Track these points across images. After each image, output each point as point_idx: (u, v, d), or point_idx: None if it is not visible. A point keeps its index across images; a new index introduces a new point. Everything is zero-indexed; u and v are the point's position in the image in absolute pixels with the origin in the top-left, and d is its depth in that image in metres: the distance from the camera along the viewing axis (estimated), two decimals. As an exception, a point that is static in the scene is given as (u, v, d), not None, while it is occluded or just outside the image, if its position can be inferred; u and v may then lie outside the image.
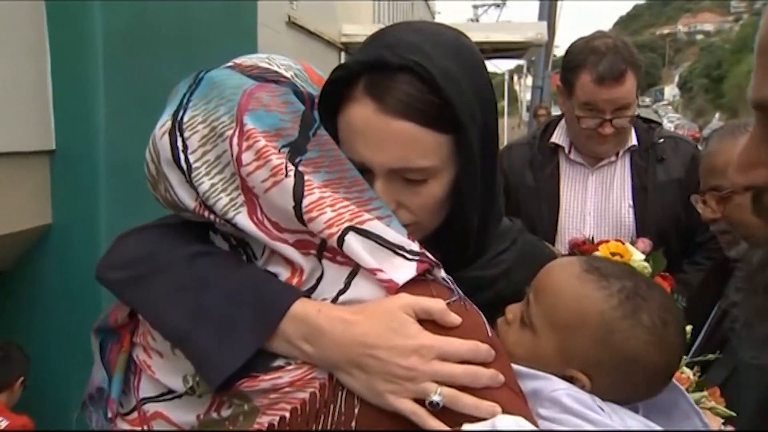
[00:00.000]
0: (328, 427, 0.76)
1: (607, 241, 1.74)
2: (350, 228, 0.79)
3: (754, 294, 0.60)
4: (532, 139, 2.12)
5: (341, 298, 0.80)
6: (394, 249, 0.80)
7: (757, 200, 0.60)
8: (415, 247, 0.82)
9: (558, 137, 2.05)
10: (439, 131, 0.88)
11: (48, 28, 2.89)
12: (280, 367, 0.79)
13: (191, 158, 0.83)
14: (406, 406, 0.75)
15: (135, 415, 0.88)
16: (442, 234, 0.96)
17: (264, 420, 0.78)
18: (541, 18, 10.97)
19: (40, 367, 2.93)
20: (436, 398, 0.74)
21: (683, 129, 33.91)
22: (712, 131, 1.63)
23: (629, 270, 0.94)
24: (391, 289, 0.79)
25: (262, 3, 4.75)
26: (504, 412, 0.75)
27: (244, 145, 0.81)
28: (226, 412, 0.80)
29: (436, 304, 0.78)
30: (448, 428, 0.74)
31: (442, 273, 0.83)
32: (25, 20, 2.82)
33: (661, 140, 2.02)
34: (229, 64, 0.95)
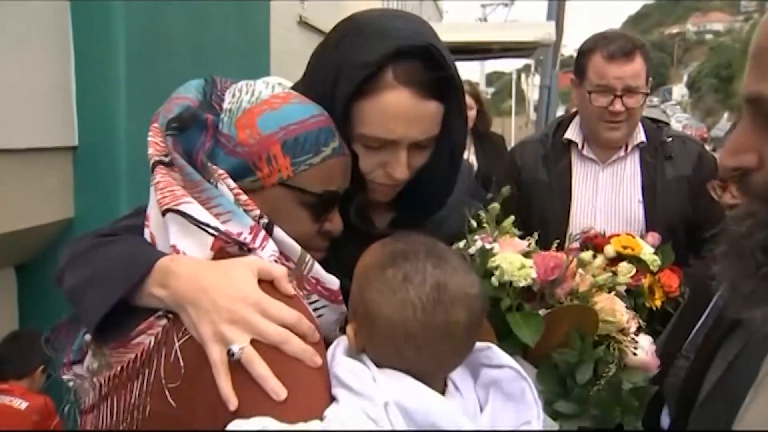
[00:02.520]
0: (161, 367, 0.85)
1: (619, 235, 1.81)
2: (168, 210, 0.91)
3: (739, 258, 0.67)
4: (544, 136, 2.19)
5: None
6: (200, 226, 0.89)
7: (743, 180, 0.69)
8: (222, 227, 0.90)
9: (572, 133, 2.12)
10: (442, 102, 1.09)
11: (72, 29, 2.98)
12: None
13: None
14: (213, 355, 0.81)
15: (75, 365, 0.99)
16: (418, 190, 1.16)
17: (116, 366, 0.90)
18: (549, 18, 10.98)
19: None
20: (235, 348, 0.80)
21: (690, 129, 33.81)
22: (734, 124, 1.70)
23: (431, 245, 0.93)
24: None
25: (274, 3, 4.82)
26: (299, 397, 0.79)
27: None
28: (94, 363, 0.94)
29: (278, 270, 0.87)
30: (229, 389, 0.79)
31: (265, 252, 0.91)
32: (50, 22, 2.91)
33: (670, 139, 2.08)
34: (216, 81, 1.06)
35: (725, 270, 0.71)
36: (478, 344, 0.94)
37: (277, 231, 0.95)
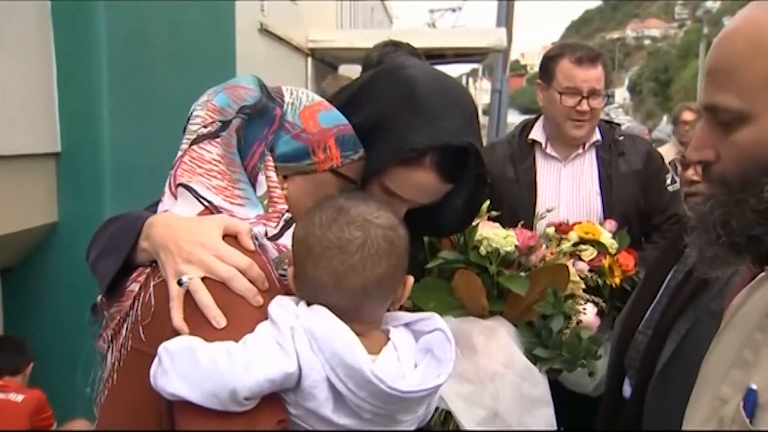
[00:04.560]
0: (139, 306, 0.97)
1: (581, 223, 2.04)
2: (180, 184, 1.06)
3: (705, 231, 0.87)
4: (511, 138, 2.41)
5: None
6: (198, 198, 1.04)
7: (705, 171, 0.89)
8: (216, 203, 1.04)
9: (536, 134, 2.35)
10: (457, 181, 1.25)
11: (54, 36, 3.07)
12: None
13: None
14: (171, 290, 0.93)
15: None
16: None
17: (116, 316, 1.03)
18: (499, 24, 11.37)
19: (47, 355, 3.11)
20: (184, 278, 0.92)
21: (634, 131, 34.76)
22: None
23: (364, 196, 1.09)
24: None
25: (237, 10, 4.95)
26: (237, 327, 0.90)
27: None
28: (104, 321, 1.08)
29: (242, 226, 1.00)
30: (180, 320, 0.90)
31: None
32: (31, 29, 2.99)
33: (622, 137, 2.34)
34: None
35: (694, 239, 0.89)
36: (423, 314, 1.06)
37: (294, 227, 1.08)
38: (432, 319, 1.05)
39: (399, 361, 0.98)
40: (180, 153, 1.09)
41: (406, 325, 1.05)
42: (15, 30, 2.87)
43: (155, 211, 1.10)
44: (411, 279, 1.06)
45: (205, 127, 1.08)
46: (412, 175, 1.20)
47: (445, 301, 1.45)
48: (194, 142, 1.08)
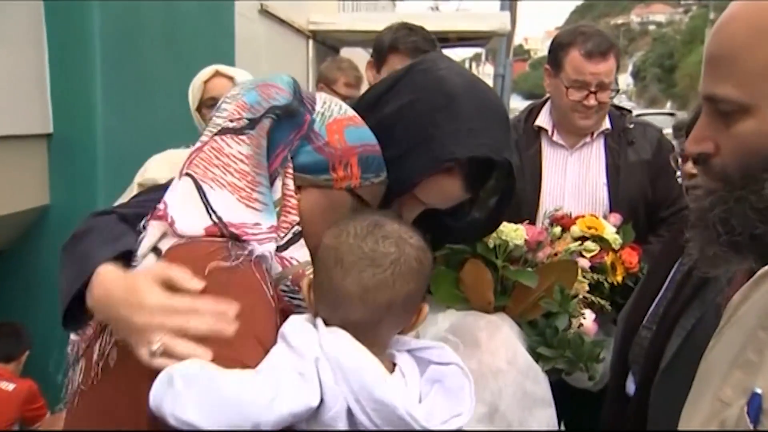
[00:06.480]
0: (106, 344, 0.94)
1: (584, 216, 1.97)
2: (189, 175, 1.01)
3: (705, 228, 0.83)
4: (516, 123, 2.32)
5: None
6: (207, 206, 0.98)
7: (704, 164, 0.85)
8: (228, 219, 0.98)
9: (542, 120, 2.27)
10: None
11: (46, 20, 2.99)
12: None
13: None
14: (141, 353, 0.88)
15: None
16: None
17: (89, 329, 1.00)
18: (502, 8, 11.24)
19: (37, 339, 3.06)
20: (155, 347, 0.86)
21: (637, 117, 34.60)
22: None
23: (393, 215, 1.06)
24: (164, 219, 0.98)
25: (237, -8, 4.84)
26: (226, 353, 0.86)
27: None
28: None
29: (176, 273, 0.92)
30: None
31: (263, 247, 0.99)
32: (23, 13, 2.91)
33: (632, 125, 2.25)
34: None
35: (694, 237, 0.85)
36: (432, 343, 1.05)
37: (302, 241, 1.06)
38: (443, 350, 1.02)
39: (407, 388, 0.96)
40: (199, 143, 1.05)
41: (409, 351, 1.02)
42: (6, 14, 2.79)
43: (156, 199, 1.03)
44: (426, 307, 1.04)
45: (231, 121, 1.05)
46: (440, 182, 1.19)
47: (450, 292, 1.42)
48: (217, 133, 1.04)
